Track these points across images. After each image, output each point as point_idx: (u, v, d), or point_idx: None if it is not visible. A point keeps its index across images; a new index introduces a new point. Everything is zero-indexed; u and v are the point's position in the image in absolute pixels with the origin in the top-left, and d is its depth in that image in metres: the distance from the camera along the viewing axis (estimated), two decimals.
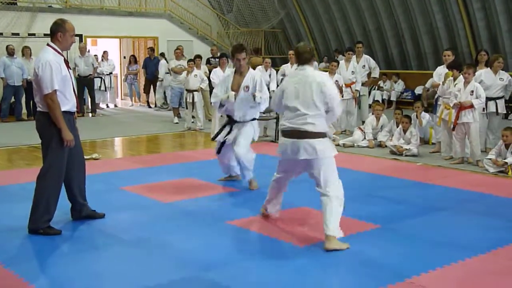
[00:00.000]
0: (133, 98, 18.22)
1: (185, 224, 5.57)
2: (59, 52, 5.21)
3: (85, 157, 5.80)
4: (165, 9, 18.71)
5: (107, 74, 16.63)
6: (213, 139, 7.16)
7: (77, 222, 5.56)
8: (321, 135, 4.94)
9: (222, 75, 10.89)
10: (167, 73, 15.28)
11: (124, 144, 11.05)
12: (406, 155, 9.16)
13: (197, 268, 4.41)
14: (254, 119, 6.88)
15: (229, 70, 10.98)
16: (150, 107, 17.15)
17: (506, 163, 7.77)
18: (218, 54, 14.19)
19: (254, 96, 6.59)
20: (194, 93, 12.11)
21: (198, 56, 13.04)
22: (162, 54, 17.30)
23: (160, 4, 18.80)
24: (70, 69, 5.40)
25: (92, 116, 14.98)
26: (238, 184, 7.12)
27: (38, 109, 5.22)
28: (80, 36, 15.17)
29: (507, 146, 7.91)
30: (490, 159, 8.01)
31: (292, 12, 19.55)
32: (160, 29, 18.14)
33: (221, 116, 11.14)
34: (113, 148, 10.81)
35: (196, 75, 12.14)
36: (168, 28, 18.33)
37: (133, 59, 17.64)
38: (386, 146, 9.78)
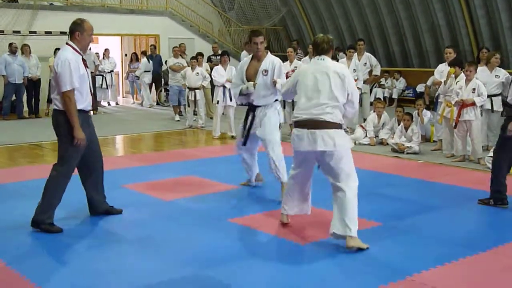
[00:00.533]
0: (135, 95, 18.23)
1: (187, 222, 5.57)
2: (77, 51, 5.29)
3: None
4: (167, 7, 18.71)
5: (108, 72, 16.65)
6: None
7: (78, 219, 5.58)
8: (339, 126, 4.82)
9: (223, 73, 10.93)
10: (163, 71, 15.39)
11: (125, 142, 11.06)
12: (407, 153, 9.15)
13: (198, 266, 4.41)
14: (276, 100, 6.54)
15: (231, 68, 11.05)
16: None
17: None
18: (220, 52, 14.19)
19: (274, 83, 6.32)
20: (196, 91, 12.10)
21: (200, 54, 13.03)
22: (144, 52, 17.48)
23: (162, 1, 18.80)
24: (88, 68, 5.47)
25: (93, 114, 14.97)
26: (240, 182, 7.10)
27: (54, 107, 5.27)
28: None
29: None
30: (491, 156, 7.99)
31: (293, 9, 19.53)
32: (162, 26, 18.14)
33: (223, 114, 11.20)
34: (114, 146, 10.81)
35: (198, 73, 12.12)
36: (169, 26, 18.33)
37: (135, 57, 17.64)
38: (387, 143, 9.78)
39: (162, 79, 16.78)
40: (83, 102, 5.30)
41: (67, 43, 5.33)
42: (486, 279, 4.22)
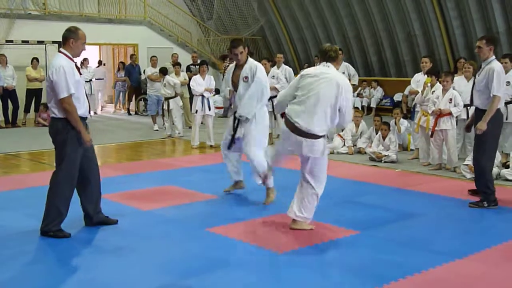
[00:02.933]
0: (118, 104, 18.17)
1: (165, 232, 5.55)
2: (70, 58, 5.31)
3: None
4: (145, 16, 18.69)
5: (86, 81, 16.55)
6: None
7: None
8: (321, 136, 5.20)
9: (202, 82, 10.94)
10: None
11: (104, 152, 10.99)
12: (385, 162, 9.24)
13: (176, 276, 4.40)
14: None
15: (210, 77, 11.07)
16: (130, 114, 17.15)
17: None
18: (198, 61, 14.20)
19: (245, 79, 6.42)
20: (170, 100, 12.14)
21: (177, 64, 13.08)
22: (122, 63, 17.69)
23: (140, 11, 18.76)
24: (81, 75, 5.48)
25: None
26: (219, 191, 7.11)
27: (52, 115, 5.28)
28: (59, 43, 15.06)
29: None
30: (467, 165, 8.11)
31: (272, 19, 19.65)
32: (140, 36, 18.11)
33: (202, 123, 11.19)
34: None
35: (165, 84, 12.20)
36: (148, 35, 18.31)
37: (122, 66, 17.60)
38: (365, 152, 9.86)
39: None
40: (81, 108, 5.30)
41: (59, 51, 5.37)
42: (461, 286, 4.27)
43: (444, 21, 15.26)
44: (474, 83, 6.69)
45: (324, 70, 5.21)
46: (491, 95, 6.32)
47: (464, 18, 14.94)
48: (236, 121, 6.57)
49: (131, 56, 17.44)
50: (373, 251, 4.95)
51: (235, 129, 6.60)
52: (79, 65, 16.22)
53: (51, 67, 5.22)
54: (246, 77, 6.44)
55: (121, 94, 17.82)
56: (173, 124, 12.49)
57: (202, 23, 20.71)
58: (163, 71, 12.59)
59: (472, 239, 5.37)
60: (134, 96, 17.08)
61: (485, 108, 6.37)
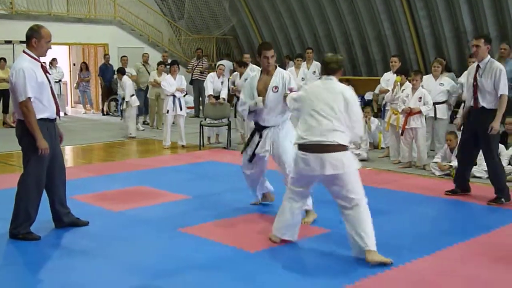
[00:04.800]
0: (85, 105, 17.98)
1: (137, 233, 5.52)
2: (35, 59, 5.18)
3: None
4: (115, 16, 18.51)
5: (56, 82, 16.33)
6: (242, 152, 6.23)
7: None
8: (346, 148, 4.71)
9: (173, 82, 10.89)
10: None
11: (75, 153, 10.87)
12: None
13: (147, 277, 4.38)
14: (284, 120, 6.01)
15: (181, 77, 11.02)
16: (104, 114, 17.01)
17: (451, 166, 8.01)
18: (169, 61, 14.15)
19: (285, 97, 5.73)
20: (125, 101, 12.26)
21: (162, 63, 13.30)
22: (85, 63, 17.67)
23: (110, 10, 18.58)
24: (50, 74, 5.37)
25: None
26: (191, 192, 7.09)
27: (18, 117, 5.18)
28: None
29: (451, 150, 8.15)
30: (436, 162, 8.24)
31: (243, 19, 19.64)
32: (111, 35, 17.93)
33: (173, 123, 11.16)
34: (63, 157, 10.58)
35: (121, 85, 12.25)
36: (118, 35, 18.12)
37: (85, 66, 17.45)
38: None
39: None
40: (46, 110, 5.18)
41: (24, 51, 5.22)
42: (430, 282, 4.33)
43: (414, 21, 15.44)
44: (475, 84, 6.58)
45: (326, 85, 4.88)
46: (499, 94, 6.45)
47: (432, 18, 15.14)
48: (259, 135, 6.00)
49: (105, 55, 17.27)
50: (343, 249, 4.97)
51: (257, 145, 5.99)
52: (48, 65, 16.25)
53: (12, 69, 5.12)
54: (276, 87, 5.83)
55: (85, 94, 17.65)
56: (144, 123, 12.44)
57: (173, 23, 20.61)
58: (121, 71, 12.62)
59: (441, 236, 5.46)
60: (107, 96, 16.93)
61: (493, 108, 6.50)
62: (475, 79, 6.58)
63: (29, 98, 5.01)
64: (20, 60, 5.14)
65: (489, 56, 6.59)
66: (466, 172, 6.99)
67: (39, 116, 5.11)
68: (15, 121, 5.29)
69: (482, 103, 6.55)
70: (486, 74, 6.49)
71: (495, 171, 6.67)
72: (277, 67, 6.00)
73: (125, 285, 4.23)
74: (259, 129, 6.00)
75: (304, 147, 4.74)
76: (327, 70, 4.91)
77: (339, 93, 4.76)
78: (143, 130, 13.24)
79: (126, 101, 12.06)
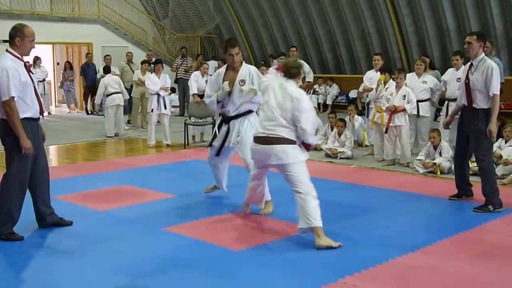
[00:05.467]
0: (70, 105, 17.88)
1: (121, 232, 5.51)
2: (18, 58, 5.15)
3: None
4: (99, 15, 18.41)
5: (39, 81, 16.21)
6: (210, 145, 6.46)
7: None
8: (292, 142, 5.15)
9: (157, 81, 10.86)
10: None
11: (59, 152, 10.80)
12: (340, 158, 9.36)
13: (131, 276, 4.37)
14: (250, 111, 6.25)
15: (165, 76, 11.00)
16: (88, 113, 16.91)
17: (435, 163, 8.07)
18: (153, 60, 14.11)
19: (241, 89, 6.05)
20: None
21: (146, 62, 13.32)
22: (69, 62, 17.69)
23: (94, 9, 18.47)
24: (33, 73, 5.33)
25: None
26: (175, 190, 7.08)
27: (0, 116, 5.13)
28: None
29: (435, 147, 8.21)
30: (419, 160, 8.30)
31: (227, 17, 19.63)
32: (94, 34, 17.84)
33: (158, 122, 11.13)
34: (48, 156, 10.51)
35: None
36: (102, 34, 18.05)
37: (69, 65, 17.35)
38: (321, 149, 9.96)
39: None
40: (29, 109, 5.15)
41: (7, 50, 5.18)
42: (415, 278, 4.37)
43: (397, 19, 15.55)
44: (467, 81, 6.31)
45: (283, 85, 5.26)
46: (491, 94, 6.13)
47: (416, 16, 15.25)
48: (227, 126, 6.24)
49: (87, 54, 17.18)
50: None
51: (226, 135, 6.22)
52: (31, 64, 16.11)
53: None
54: (243, 81, 6.11)
55: (69, 93, 17.56)
56: (128, 123, 12.39)
57: (157, 22, 20.55)
58: (105, 70, 12.61)
59: (424, 233, 5.51)
60: (90, 95, 16.82)
61: (484, 107, 6.20)
62: (467, 77, 6.30)
63: (13, 97, 4.99)
64: (3, 59, 5.09)
65: (483, 54, 6.31)
66: (466, 172, 6.71)
67: (22, 116, 5.08)
68: None
69: (473, 101, 6.25)
70: (478, 72, 6.21)
71: (483, 174, 6.30)
72: (243, 62, 6.26)
73: (109, 284, 4.22)
74: (226, 120, 6.26)
75: (255, 139, 5.28)
76: (287, 74, 5.27)
77: (290, 95, 5.14)
78: (128, 129, 13.19)
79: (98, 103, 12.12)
